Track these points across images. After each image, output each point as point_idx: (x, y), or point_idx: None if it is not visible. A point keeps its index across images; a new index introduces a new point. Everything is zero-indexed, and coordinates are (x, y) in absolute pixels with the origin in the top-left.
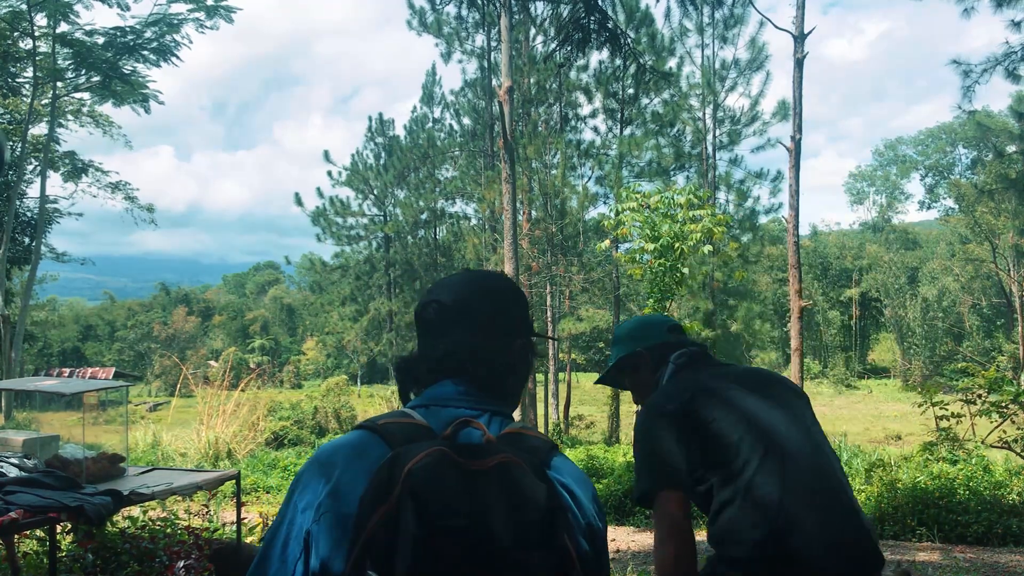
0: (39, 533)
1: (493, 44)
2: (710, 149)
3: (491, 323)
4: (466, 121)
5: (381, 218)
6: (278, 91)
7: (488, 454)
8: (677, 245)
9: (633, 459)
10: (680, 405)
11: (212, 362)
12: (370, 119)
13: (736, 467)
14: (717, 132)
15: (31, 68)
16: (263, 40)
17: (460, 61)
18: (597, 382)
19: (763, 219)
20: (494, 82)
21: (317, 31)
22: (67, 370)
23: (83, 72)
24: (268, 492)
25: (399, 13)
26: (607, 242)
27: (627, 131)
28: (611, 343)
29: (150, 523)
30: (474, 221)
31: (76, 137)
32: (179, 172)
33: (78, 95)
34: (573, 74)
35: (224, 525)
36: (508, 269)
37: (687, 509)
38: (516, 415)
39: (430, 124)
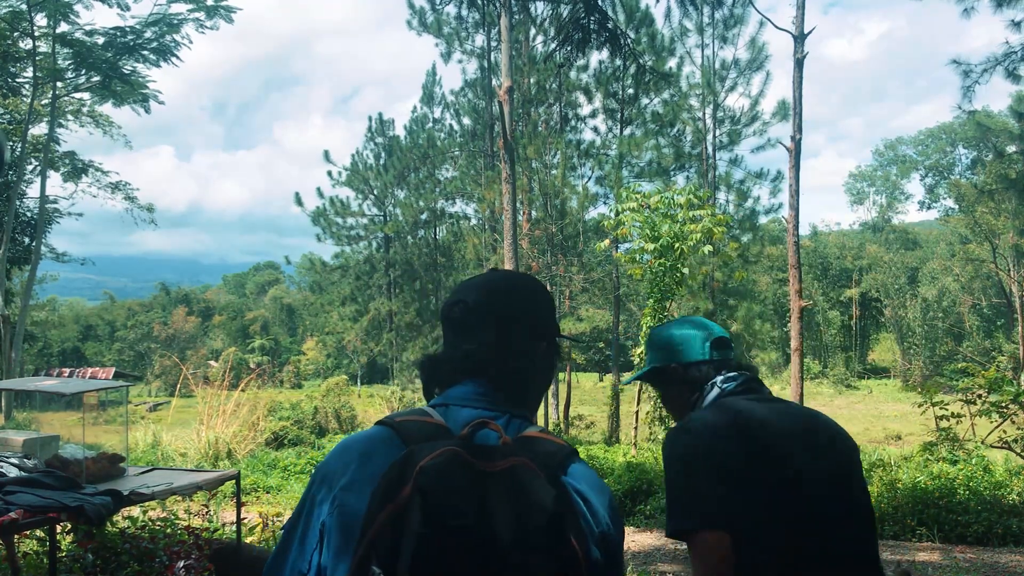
0: (39, 533)
1: (493, 44)
2: (710, 149)
3: (514, 324)
4: (466, 121)
5: (381, 218)
6: (278, 91)
7: (502, 456)
8: (677, 245)
9: (665, 487)
10: (724, 436)
11: (212, 362)
12: (370, 119)
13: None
14: (717, 132)
15: (31, 68)
16: (263, 40)
17: (460, 61)
18: (628, 381)
19: (763, 219)
20: (494, 82)
21: (317, 31)
22: (67, 370)
23: (83, 72)
24: (268, 492)
25: (399, 13)
26: (607, 242)
27: (627, 131)
28: (646, 344)
29: (150, 523)
30: (474, 221)
31: (76, 137)
32: (179, 172)
33: (78, 95)
34: (573, 74)
35: (224, 525)
36: (508, 269)
37: (729, 554)
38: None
39: (430, 124)
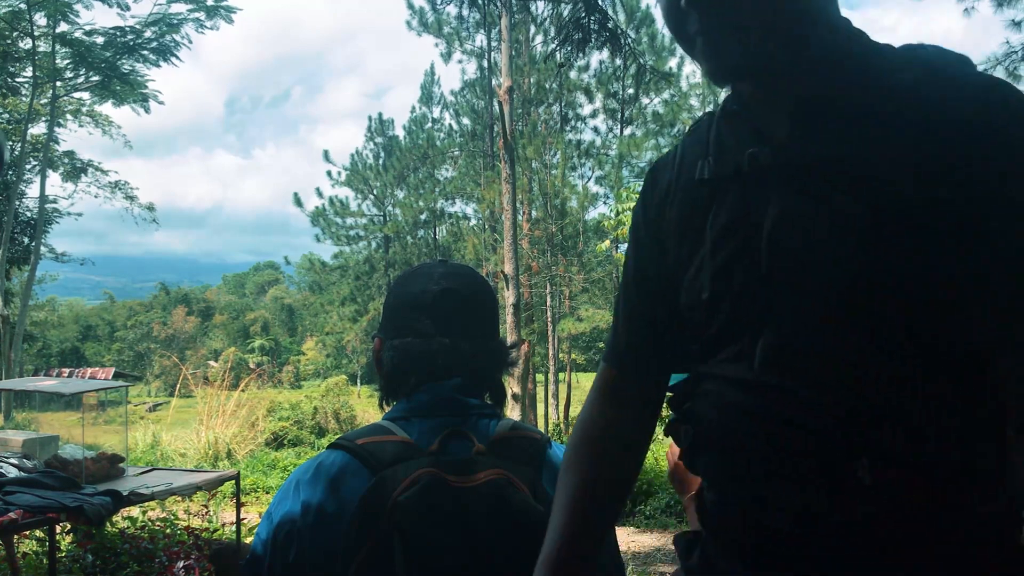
0: (39, 533)
1: (493, 44)
2: None
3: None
4: (466, 121)
5: (380, 218)
6: (300, 93)
7: (479, 468)
8: None
9: None
10: None
11: (212, 362)
12: (369, 119)
13: None
14: None
15: (31, 68)
16: (282, 43)
17: (460, 61)
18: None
19: None
20: (494, 82)
21: (338, 35)
22: (67, 370)
23: (83, 72)
24: (268, 492)
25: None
26: (607, 242)
27: (627, 131)
28: None
29: (150, 523)
30: (474, 221)
31: (77, 138)
32: (198, 173)
33: (78, 95)
34: (573, 74)
35: (224, 525)
36: (508, 269)
37: None
38: (516, 414)
39: (429, 124)
